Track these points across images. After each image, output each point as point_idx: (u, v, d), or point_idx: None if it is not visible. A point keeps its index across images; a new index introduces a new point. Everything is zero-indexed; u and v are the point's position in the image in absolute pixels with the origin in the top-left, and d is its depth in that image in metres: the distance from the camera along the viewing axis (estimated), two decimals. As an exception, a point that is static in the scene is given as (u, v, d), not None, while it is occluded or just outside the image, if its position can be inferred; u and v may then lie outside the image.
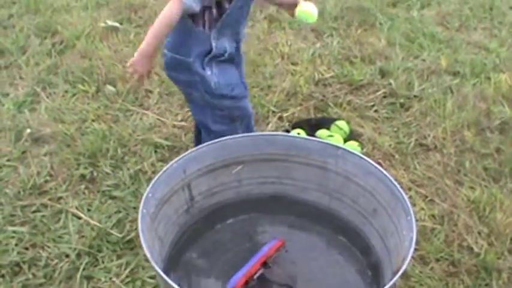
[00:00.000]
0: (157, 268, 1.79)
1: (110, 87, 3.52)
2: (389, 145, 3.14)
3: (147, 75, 2.31)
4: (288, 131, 3.10)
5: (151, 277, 2.32)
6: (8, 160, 2.96)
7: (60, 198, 2.73)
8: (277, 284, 2.17)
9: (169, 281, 1.72)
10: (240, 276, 2.09)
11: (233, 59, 2.46)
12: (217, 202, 2.36)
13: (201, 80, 2.39)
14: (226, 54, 2.39)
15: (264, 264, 2.16)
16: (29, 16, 4.32)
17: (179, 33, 2.32)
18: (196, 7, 2.20)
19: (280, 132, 3.03)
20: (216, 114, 2.50)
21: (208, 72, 2.38)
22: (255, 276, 2.13)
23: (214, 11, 2.29)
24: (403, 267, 1.82)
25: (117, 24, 4.20)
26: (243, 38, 2.49)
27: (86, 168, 2.89)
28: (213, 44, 2.33)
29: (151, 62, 2.26)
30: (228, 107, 2.49)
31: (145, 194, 2.04)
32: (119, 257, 2.46)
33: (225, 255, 2.28)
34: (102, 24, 4.20)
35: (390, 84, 3.67)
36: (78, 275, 2.35)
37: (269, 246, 2.21)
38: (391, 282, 1.78)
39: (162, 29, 2.21)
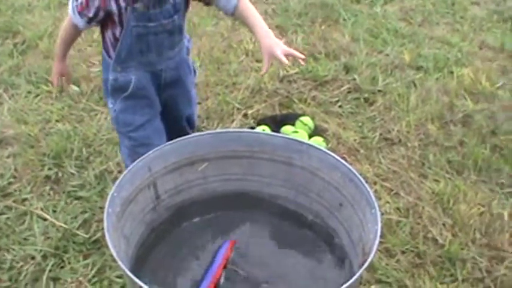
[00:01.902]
0: (123, 266, 1.78)
1: (73, 87, 3.48)
2: (354, 140, 3.16)
3: (57, 77, 2.46)
4: (253, 128, 3.10)
5: (119, 276, 2.31)
6: (-29, 163, 2.93)
7: (24, 199, 2.70)
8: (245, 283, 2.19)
9: (136, 279, 1.71)
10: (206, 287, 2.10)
11: (144, 95, 2.32)
12: (184, 200, 2.35)
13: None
14: (129, 89, 2.26)
15: (225, 268, 2.17)
16: (-10, 17, 4.27)
17: None
18: (81, 24, 2.18)
19: (244, 129, 3.03)
20: (123, 149, 2.45)
21: (110, 105, 2.34)
22: (221, 281, 2.15)
23: (109, 33, 2.21)
24: (369, 260, 1.83)
25: (80, 24, 4.17)
26: (171, 69, 2.33)
27: (50, 169, 2.86)
28: (110, 76, 2.25)
29: (59, 66, 2.44)
30: (128, 148, 2.41)
31: (110, 193, 2.02)
32: (85, 257, 2.44)
33: (192, 254, 2.28)
34: (65, 24, 4.16)
35: (354, 79, 3.70)
36: (45, 277, 2.33)
37: (224, 249, 2.21)
38: (357, 275, 1.79)
39: (58, 40, 2.35)
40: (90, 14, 2.12)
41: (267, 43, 2.13)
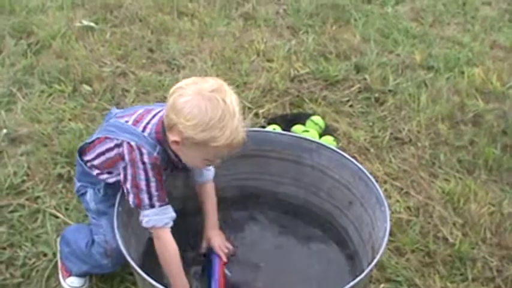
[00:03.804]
0: (133, 263, 1.80)
1: (86, 87, 3.51)
2: (365, 139, 3.17)
3: None
4: (263, 127, 3.11)
5: (130, 273, 2.32)
6: (-16, 161, 2.95)
7: (37, 197, 2.72)
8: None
9: (145, 276, 1.74)
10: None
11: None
12: (193, 197, 2.37)
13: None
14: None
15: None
16: (4, 17, 4.28)
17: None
18: (171, 216, 2.02)
19: (255, 128, 3.04)
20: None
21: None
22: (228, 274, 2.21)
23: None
24: (378, 257, 1.85)
25: (92, 24, 4.19)
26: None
27: (63, 167, 2.88)
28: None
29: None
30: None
31: (120, 191, 2.05)
32: (97, 254, 2.45)
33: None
34: (78, 24, 4.18)
35: (365, 79, 3.70)
36: (56, 274, 2.35)
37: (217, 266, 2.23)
38: (366, 272, 1.81)
39: (175, 273, 2.04)
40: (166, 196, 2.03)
41: (210, 234, 2.27)
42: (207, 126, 1.81)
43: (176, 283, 2.02)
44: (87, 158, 2.14)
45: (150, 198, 1.95)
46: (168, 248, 2.00)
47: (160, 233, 1.99)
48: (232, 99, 1.85)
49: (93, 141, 2.11)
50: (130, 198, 1.97)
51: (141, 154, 1.92)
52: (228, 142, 1.83)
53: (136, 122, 2.01)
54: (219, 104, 1.81)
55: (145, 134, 1.96)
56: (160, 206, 1.97)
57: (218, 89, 1.85)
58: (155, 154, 1.94)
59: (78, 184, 2.25)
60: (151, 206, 1.96)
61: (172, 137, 1.89)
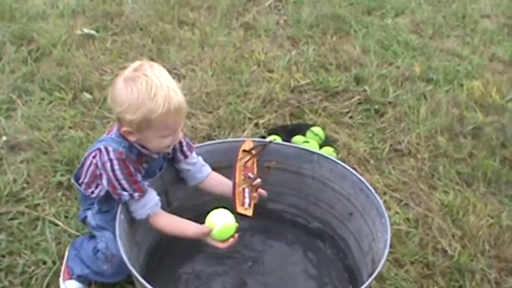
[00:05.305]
0: (134, 271, 1.80)
1: (86, 95, 3.51)
2: (364, 151, 3.17)
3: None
4: (264, 138, 3.12)
5: (130, 282, 2.32)
6: (-16, 168, 2.95)
7: (37, 205, 2.71)
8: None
9: (146, 284, 1.73)
10: None
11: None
12: (195, 208, 2.37)
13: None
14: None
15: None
16: (4, 24, 4.28)
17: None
18: (156, 200, 2.13)
19: (255, 139, 3.05)
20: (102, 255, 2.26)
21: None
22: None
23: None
24: (378, 269, 1.85)
25: (93, 32, 4.20)
26: None
27: (63, 175, 2.88)
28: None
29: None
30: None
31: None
32: (96, 263, 2.45)
33: (202, 262, 2.31)
34: (79, 32, 4.18)
35: (365, 90, 3.72)
36: (56, 282, 2.35)
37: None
38: (366, 284, 1.81)
39: (181, 230, 2.15)
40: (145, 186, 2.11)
41: None
42: (138, 102, 1.91)
43: (189, 234, 2.12)
44: (81, 180, 2.24)
45: (126, 191, 2.05)
46: (163, 227, 2.14)
47: (150, 222, 2.13)
48: (154, 71, 1.95)
49: (83, 164, 2.22)
50: (114, 196, 2.08)
51: (108, 153, 2.04)
52: (166, 109, 1.91)
53: (107, 132, 2.16)
54: (141, 78, 1.92)
55: (111, 135, 2.10)
56: (140, 196, 2.07)
57: (138, 68, 1.96)
58: (120, 149, 2.04)
59: (80, 210, 2.35)
60: (132, 197, 2.06)
61: (123, 128, 1.99)
